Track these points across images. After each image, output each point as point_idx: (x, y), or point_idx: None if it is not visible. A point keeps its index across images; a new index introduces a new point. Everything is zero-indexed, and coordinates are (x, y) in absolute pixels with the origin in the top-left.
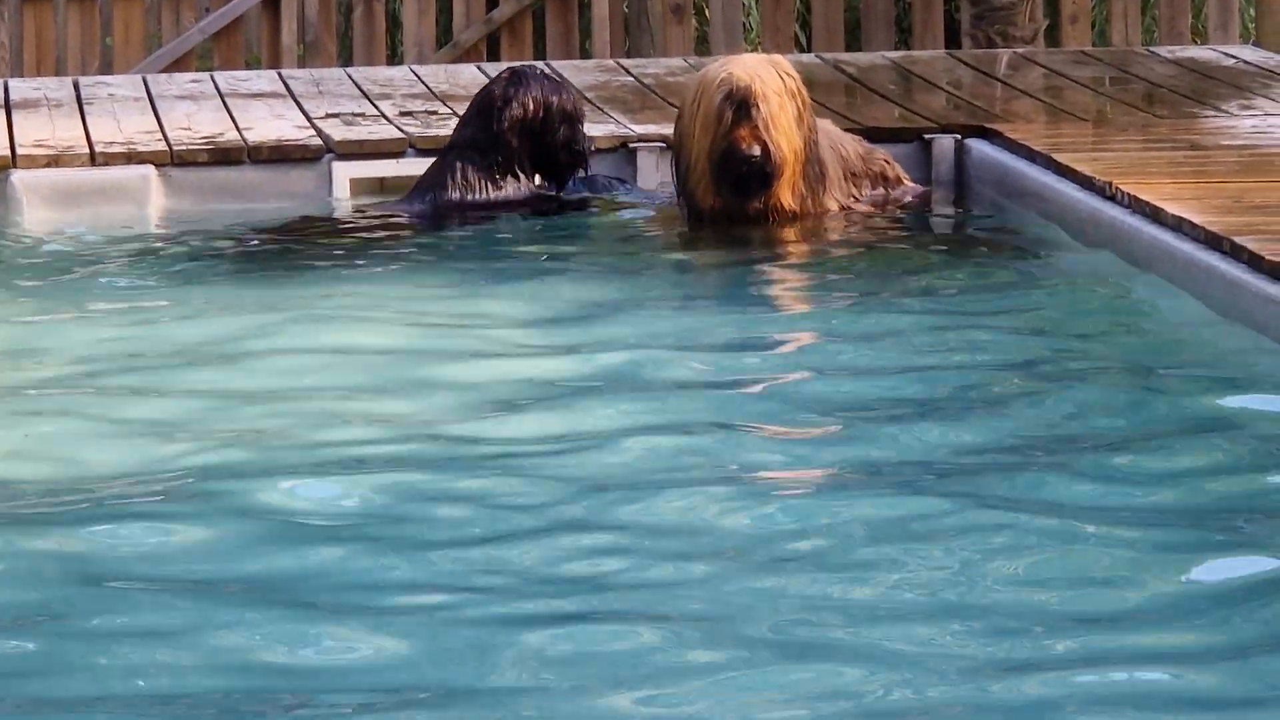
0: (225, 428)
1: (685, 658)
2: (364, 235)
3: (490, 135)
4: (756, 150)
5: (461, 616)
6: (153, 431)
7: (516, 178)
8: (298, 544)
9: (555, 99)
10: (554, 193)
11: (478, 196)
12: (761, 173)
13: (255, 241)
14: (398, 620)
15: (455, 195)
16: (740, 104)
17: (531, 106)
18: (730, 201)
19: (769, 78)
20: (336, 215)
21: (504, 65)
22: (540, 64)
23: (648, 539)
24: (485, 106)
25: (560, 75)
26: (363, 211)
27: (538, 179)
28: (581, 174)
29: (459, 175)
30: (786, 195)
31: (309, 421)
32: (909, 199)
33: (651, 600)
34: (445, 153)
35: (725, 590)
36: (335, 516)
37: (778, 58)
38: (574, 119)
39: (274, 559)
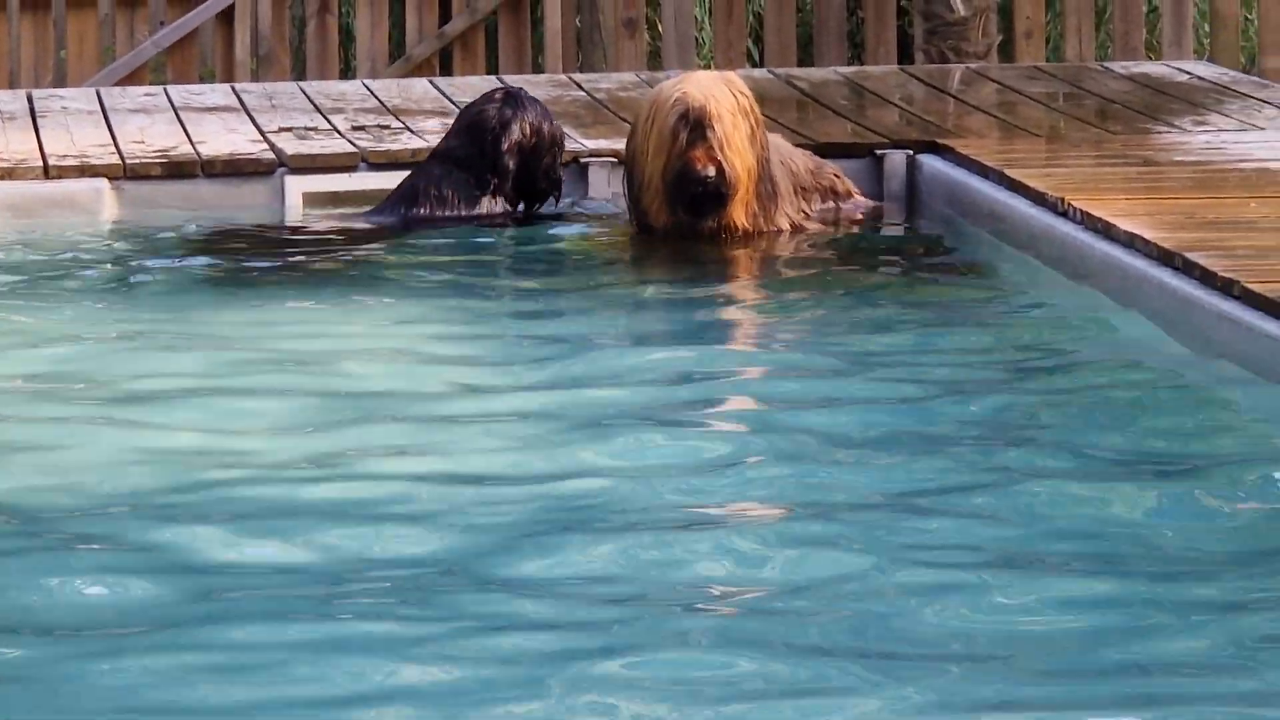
0: (171, 448)
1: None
2: (323, 249)
3: (479, 154)
4: (711, 171)
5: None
6: (98, 453)
7: (496, 198)
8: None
9: (546, 125)
10: (522, 213)
11: (449, 213)
12: (716, 193)
13: (209, 255)
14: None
15: (426, 210)
16: (695, 124)
17: (529, 132)
18: (684, 221)
19: (723, 96)
20: (298, 227)
21: (457, 79)
22: (493, 78)
23: (593, 564)
24: (478, 125)
25: (541, 102)
26: (332, 223)
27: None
28: (553, 201)
29: (435, 190)
30: (740, 214)
31: (253, 441)
32: (860, 214)
33: (601, 631)
34: (425, 165)
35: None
36: (264, 536)
37: (731, 75)
38: (559, 146)
39: (215, 588)
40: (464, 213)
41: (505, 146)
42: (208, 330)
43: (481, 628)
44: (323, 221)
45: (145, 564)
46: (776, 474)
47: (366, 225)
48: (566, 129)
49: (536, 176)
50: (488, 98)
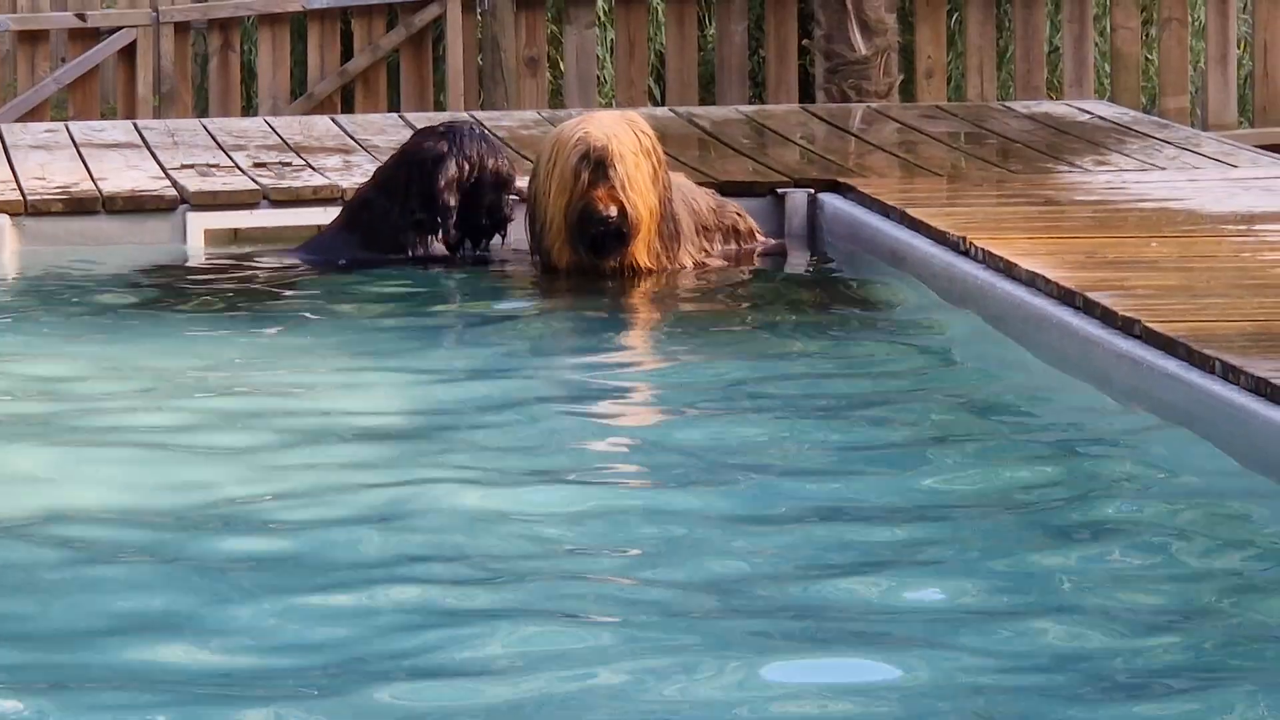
0: (66, 482)
1: None
2: (224, 286)
3: (412, 190)
4: (613, 211)
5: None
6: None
7: (428, 236)
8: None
9: (490, 161)
10: (467, 252)
11: (378, 252)
12: (618, 233)
13: (115, 291)
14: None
15: (351, 250)
16: (597, 164)
17: (468, 168)
18: (587, 260)
19: (625, 137)
20: (199, 264)
21: (359, 117)
22: (395, 116)
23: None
24: (413, 160)
25: (489, 137)
26: (241, 260)
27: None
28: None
29: (365, 228)
30: (642, 254)
31: (144, 475)
32: (760, 251)
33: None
34: (356, 203)
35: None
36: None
37: (633, 115)
38: (505, 182)
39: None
40: (393, 253)
41: (441, 184)
42: (108, 367)
43: (390, 664)
44: (238, 258)
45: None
46: (669, 515)
47: (291, 262)
48: None
49: (479, 213)
50: (428, 132)
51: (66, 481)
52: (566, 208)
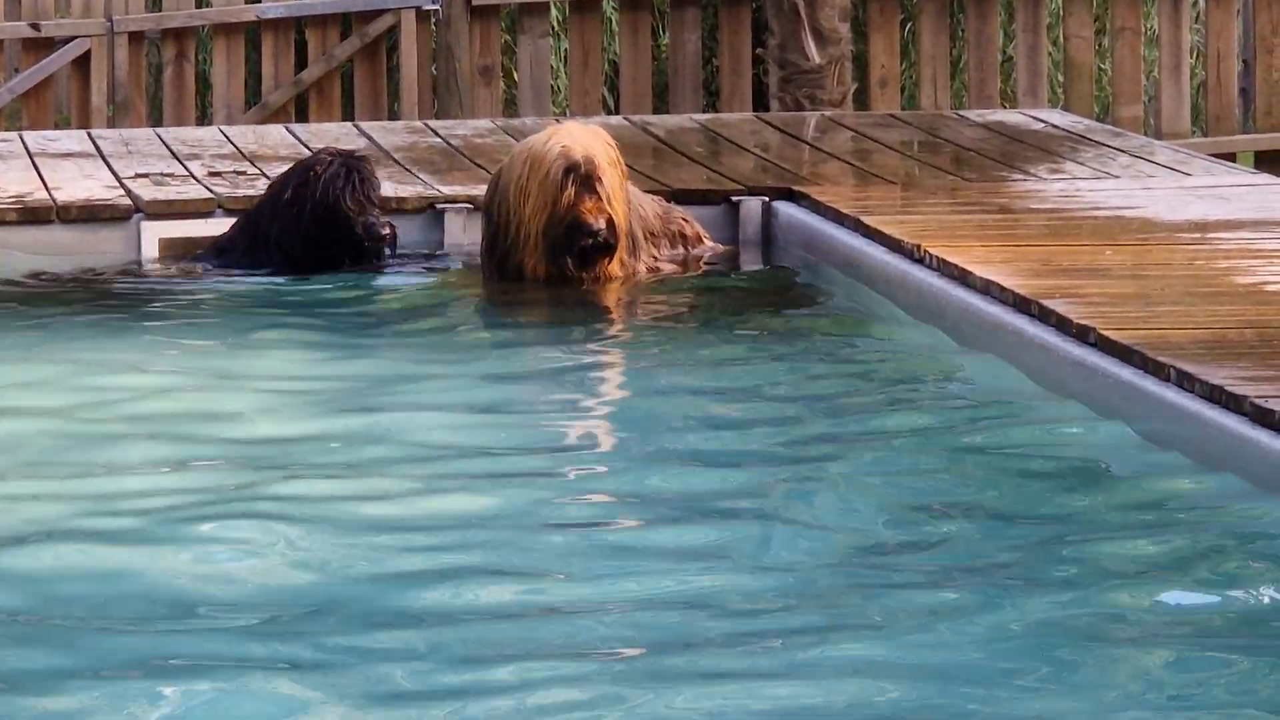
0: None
1: None
2: (175, 295)
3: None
4: (602, 223)
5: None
6: None
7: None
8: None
9: (343, 189)
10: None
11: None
12: (605, 244)
13: (56, 299)
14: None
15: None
16: (584, 178)
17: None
18: (572, 272)
19: (601, 149)
20: (146, 273)
21: (313, 126)
22: (350, 125)
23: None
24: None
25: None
26: (182, 271)
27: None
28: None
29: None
30: (616, 263)
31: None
32: (709, 257)
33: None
34: (252, 215)
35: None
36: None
37: (596, 127)
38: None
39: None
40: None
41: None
42: (50, 375)
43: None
44: (175, 266)
45: None
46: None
47: (222, 272)
48: (422, 176)
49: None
50: (319, 158)
51: None
52: (548, 221)
